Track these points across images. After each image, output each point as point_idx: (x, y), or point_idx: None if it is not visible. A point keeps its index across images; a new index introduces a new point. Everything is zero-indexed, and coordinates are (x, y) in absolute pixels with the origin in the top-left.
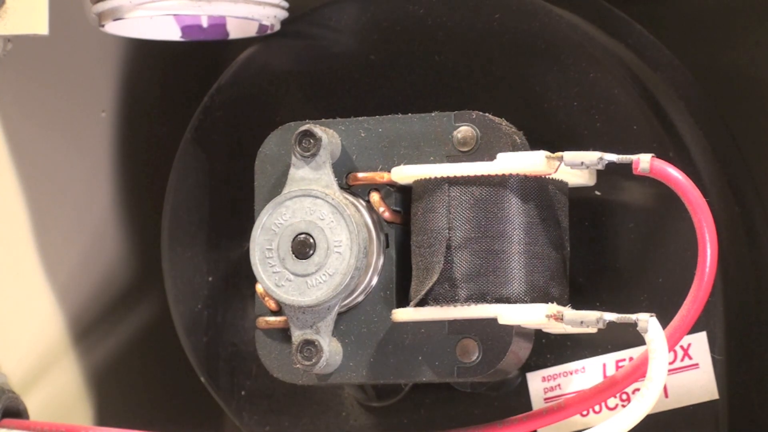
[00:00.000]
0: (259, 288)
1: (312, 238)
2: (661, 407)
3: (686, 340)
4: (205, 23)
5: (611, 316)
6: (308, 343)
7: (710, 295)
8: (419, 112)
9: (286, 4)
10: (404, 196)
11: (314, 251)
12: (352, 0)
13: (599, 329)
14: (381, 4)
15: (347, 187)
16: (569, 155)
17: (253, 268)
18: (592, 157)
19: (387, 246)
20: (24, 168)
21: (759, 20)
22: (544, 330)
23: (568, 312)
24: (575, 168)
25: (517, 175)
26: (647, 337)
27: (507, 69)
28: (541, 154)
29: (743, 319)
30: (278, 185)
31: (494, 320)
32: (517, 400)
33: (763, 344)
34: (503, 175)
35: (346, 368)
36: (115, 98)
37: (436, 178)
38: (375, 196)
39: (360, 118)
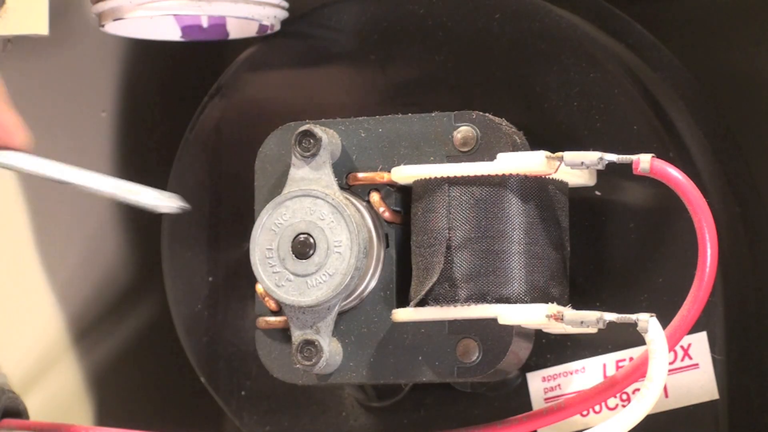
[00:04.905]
0: (259, 288)
1: (312, 238)
2: (661, 407)
3: (686, 340)
4: (205, 23)
5: (611, 316)
6: (308, 343)
7: (710, 295)
8: (419, 112)
9: (286, 4)
10: (404, 196)
11: (314, 251)
12: (352, 0)
13: (599, 329)
14: (381, 4)
15: (347, 187)
16: (569, 155)
17: (253, 268)
18: (592, 157)
19: (387, 246)
20: None
21: (759, 20)
22: (544, 330)
23: (568, 312)
24: (575, 168)
25: (517, 175)
26: (647, 337)
27: (507, 69)
28: (541, 154)
29: (743, 319)
30: (278, 185)
31: (494, 320)
32: (517, 400)
33: (763, 344)
34: (503, 175)
35: (346, 368)
36: (115, 98)
37: (436, 178)
38: (375, 196)
39: (360, 118)
